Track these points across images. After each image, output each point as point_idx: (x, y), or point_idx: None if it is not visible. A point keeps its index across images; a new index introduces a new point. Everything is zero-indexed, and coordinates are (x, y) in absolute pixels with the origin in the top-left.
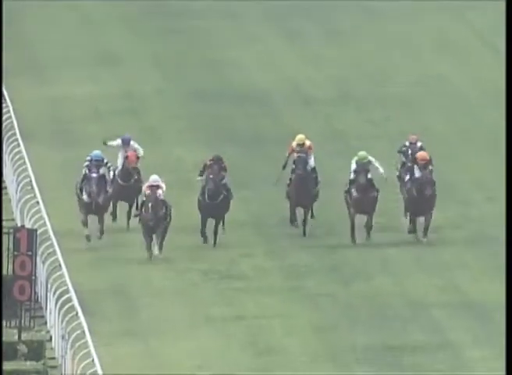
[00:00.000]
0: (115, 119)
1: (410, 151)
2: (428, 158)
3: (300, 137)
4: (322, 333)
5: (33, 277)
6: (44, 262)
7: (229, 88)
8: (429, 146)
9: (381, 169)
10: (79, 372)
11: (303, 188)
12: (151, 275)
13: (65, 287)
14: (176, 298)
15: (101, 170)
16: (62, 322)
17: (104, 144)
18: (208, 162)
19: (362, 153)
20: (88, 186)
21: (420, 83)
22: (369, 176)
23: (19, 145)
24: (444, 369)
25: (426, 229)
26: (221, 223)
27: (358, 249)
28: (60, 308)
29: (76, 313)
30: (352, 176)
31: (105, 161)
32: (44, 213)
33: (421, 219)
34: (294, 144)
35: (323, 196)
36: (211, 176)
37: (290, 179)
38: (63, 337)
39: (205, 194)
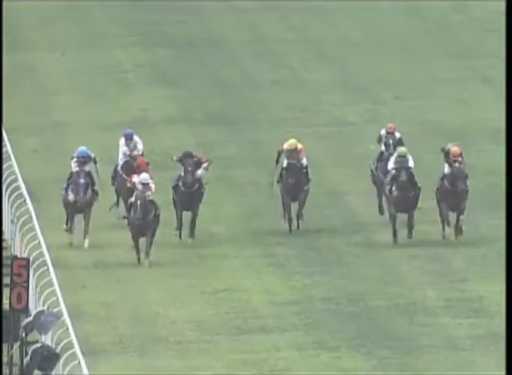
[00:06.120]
0: (59, 26)
1: (391, 141)
2: (460, 152)
3: (292, 141)
4: (247, 219)
5: None
6: None
7: None
8: (343, 51)
9: (411, 163)
10: (26, 252)
11: (296, 189)
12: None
13: (13, 177)
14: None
15: (88, 167)
16: (12, 207)
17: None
18: (181, 157)
19: (403, 149)
20: (75, 187)
21: None
22: (411, 171)
23: None
24: (357, 250)
25: (456, 226)
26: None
27: (279, 142)
28: (9, 195)
29: (24, 200)
30: (393, 172)
31: (92, 156)
32: None
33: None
34: (285, 146)
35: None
36: (189, 169)
37: (281, 175)
38: (12, 222)
39: (180, 185)
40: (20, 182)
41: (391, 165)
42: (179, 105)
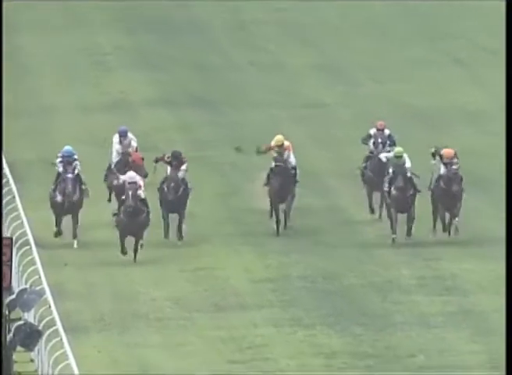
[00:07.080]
0: (47, 8)
1: (380, 140)
2: (453, 153)
3: (278, 137)
4: (226, 198)
5: None
6: None
7: None
8: (323, 36)
9: (408, 164)
10: (10, 232)
11: (283, 191)
12: (79, 149)
13: None
14: (97, 169)
15: (74, 166)
16: None
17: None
18: (167, 159)
19: (399, 149)
20: (63, 185)
21: None
22: (408, 175)
23: None
24: (333, 229)
25: (456, 227)
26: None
27: (258, 123)
28: None
29: (8, 180)
30: (391, 174)
31: (75, 157)
32: None
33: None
34: (273, 143)
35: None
36: (174, 164)
37: (268, 176)
38: None
39: (165, 188)
40: (3, 162)
41: (384, 160)
42: (160, 87)
